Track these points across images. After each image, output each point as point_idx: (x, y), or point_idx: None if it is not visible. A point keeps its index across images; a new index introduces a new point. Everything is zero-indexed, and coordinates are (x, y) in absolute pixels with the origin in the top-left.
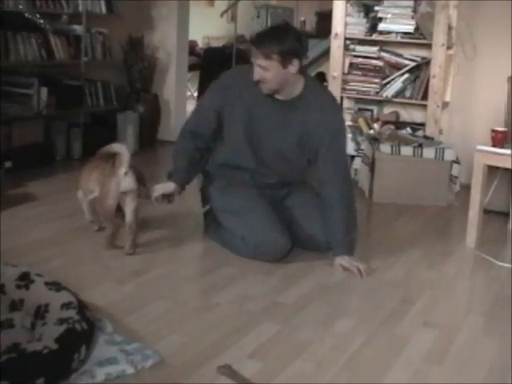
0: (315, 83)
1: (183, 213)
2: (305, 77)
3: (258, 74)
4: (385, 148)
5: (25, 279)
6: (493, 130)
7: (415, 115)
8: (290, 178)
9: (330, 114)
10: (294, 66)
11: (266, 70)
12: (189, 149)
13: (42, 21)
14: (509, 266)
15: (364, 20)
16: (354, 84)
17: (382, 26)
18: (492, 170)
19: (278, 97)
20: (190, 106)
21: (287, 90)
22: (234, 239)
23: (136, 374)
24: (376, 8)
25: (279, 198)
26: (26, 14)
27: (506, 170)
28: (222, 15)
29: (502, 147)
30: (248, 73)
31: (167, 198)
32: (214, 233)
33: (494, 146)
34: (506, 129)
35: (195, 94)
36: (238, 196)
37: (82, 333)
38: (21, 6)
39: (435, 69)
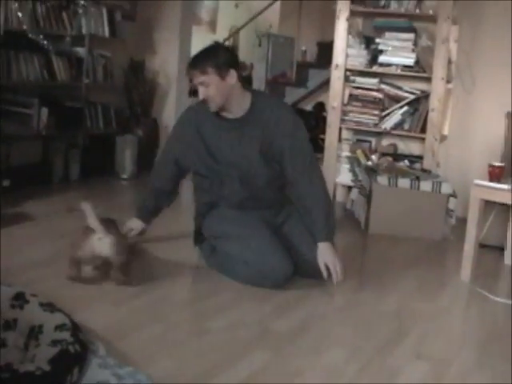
0: (262, 94)
1: (178, 237)
2: (251, 92)
3: (201, 93)
4: (382, 180)
5: (19, 299)
6: (490, 165)
7: (413, 148)
8: (271, 197)
9: (283, 117)
10: (231, 77)
11: (208, 86)
12: (158, 189)
13: (45, 41)
14: (503, 300)
15: (365, 52)
16: (353, 115)
17: (382, 59)
18: (488, 205)
19: (228, 116)
20: None
21: (235, 106)
22: (235, 264)
23: None
24: (377, 40)
25: (277, 225)
26: (30, 35)
27: (502, 204)
28: (223, 42)
29: (499, 182)
30: (197, 107)
31: (138, 232)
32: (210, 258)
33: (490, 180)
34: (503, 164)
35: None
36: (237, 221)
37: (75, 355)
38: (25, 26)
39: (434, 102)
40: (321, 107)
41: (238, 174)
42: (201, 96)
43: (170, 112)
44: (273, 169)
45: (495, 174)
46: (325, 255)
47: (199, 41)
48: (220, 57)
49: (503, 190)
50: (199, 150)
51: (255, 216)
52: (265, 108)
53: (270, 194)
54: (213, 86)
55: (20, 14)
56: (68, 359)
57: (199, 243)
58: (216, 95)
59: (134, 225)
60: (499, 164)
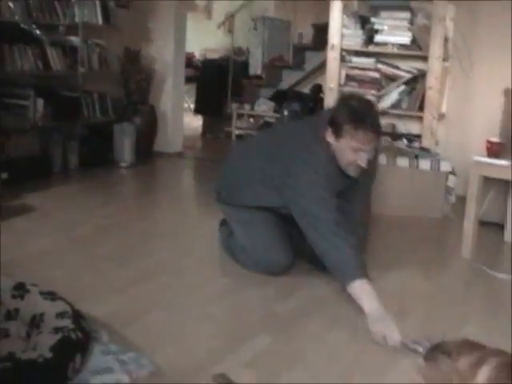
0: None
1: (183, 225)
2: None
3: (364, 160)
4: (381, 159)
5: (20, 289)
6: (488, 141)
7: (411, 127)
8: None
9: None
10: None
11: (372, 150)
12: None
13: (38, 32)
14: (503, 276)
15: (360, 32)
16: None
17: (378, 38)
18: (487, 182)
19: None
20: (187, 118)
21: None
22: (239, 249)
23: (131, 383)
24: (372, 20)
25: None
26: (22, 25)
27: (501, 181)
28: (219, 27)
29: (498, 158)
30: (322, 153)
31: None
32: (225, 241)
33: (489, 157)
34: (501, 140)
35: (192, 106)
36: (249, 209)
37: (77, 342)
38: (17, 17)
39: (431, 80)
40: (318, 89)
41: None
42: (363, 162)
43: (167, 99)
44: None
45: (493, 151)
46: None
47: (194, 27)
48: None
49: (503, 166)
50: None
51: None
52: None
53: None
54: (374, 150)
55: (12, 5)
56: (70, 346)
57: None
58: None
59: (375, 302)
60: (497, 140)
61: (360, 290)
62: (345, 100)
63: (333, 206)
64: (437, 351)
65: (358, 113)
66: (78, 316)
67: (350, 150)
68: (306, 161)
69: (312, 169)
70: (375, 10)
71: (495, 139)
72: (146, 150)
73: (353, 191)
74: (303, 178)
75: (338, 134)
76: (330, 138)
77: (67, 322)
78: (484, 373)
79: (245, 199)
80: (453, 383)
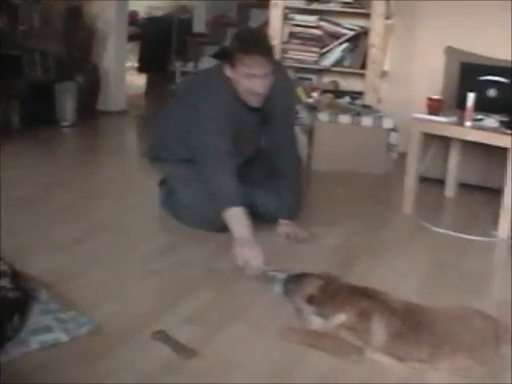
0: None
1: (125, 183)
2: None
3: (260, 86)
4: (323, 116)
5: None
6: (428, 98)
7: (354, 84)
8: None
9: (286, 91)
10: None
11: (268, 76)
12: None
13: None
14: (444, 231)
15: None
16: (293, 53)
17: None
18: (428, 138)
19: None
20: (130, 76)
21: None
22: (180, 206)
23: (71, 341)
24: None
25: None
26: None
27: (442, 137)
28: None
29: (438, 115)
30: (223, 89)
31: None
32: (165, 200)
33: (429, 114)
34: (442, 97)
35: (135, 65)
36: (186, 164)
37: (14, 301)
38: None
39: (374, 38)
40: None
41: (242, 142)
42: (259, 89)
43: (109, 57)
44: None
45: (433, 108)
46: (285, 228)
47: None
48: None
49: (441, 122)
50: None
51: None
52: (276, 89)
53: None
54: (270, 77)
55: None
56: (7, 306)
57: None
58: (269, 87)
59: (245, 228)
60: (437, 97)
61: (234, 216)
62: (237, 33)
63: (228, 139)
64: (291, 282)
65: (245, 39)
66: (16, 275)
67: (245, 77)
68: (207, 97)
69: (213, 104)
70: None
71: (435, 96)
72: (88, 109)
73: (271, 127)
74: (204, 112)
75: (232, 64)
76: (228, 71)
77: (5, 282)
78: (377, 328)
79: (177, 152)
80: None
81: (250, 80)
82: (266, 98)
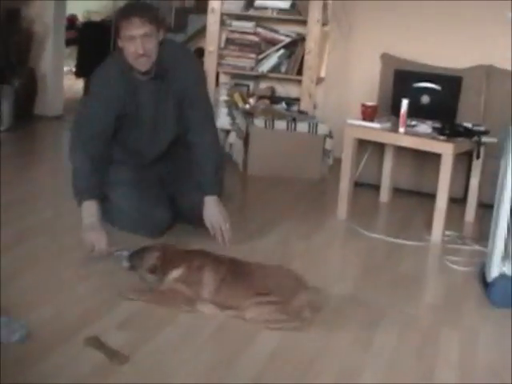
0: (166, 44)
1: (62, 187)
2: None
3: (140, 47)
4: (259, 122)
5: None
6: (362, 105)
7: (291, 90)
8: (175, 150)
9: (189, 67)
10: (162, 32)
11: (150, 38)
12: (98, 156)
13: None
14: (377, 236)
15: None
16: (230, 59)
17: (258, 3)
18: (363, 144)
19: (142, 77)
20: (68, 81)
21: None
22: (115, 211)
23: (3, 348)
24: None
25: (164, 172)
26: None
27: (376, 143)
28: None
29: (372, 121)
30: (115, 63)
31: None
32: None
33: (364, 120)
34: (376, 103)
35: (73, 69)
36: (123, 168)
37: None
38: None
39: (310, 44)
40: (200, 52)
41: (152, 128)
42: (140, 50)
43: (47, 61)
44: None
45: (368, 114)
46: (211, 213)
47: None
48: (156, 9)
49: (375, 128)
50: (122, 106)
51: (144, 165)
52: (172, 61)
53: (175, 147)
54: (154, 39)
55: None
56: None
57: None
58: (155, 49)
59: (93, 216)
60: (371, 104)
61: (86, 208)
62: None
63: (101, 123)
64: (134, 257)
65: (124, 7)
66: None
67: (127, 42)
68: (98, 78)
69: (101, 82)
70: None
71: (370, 103)
72: (25, 113)
73: (186, 112)
74: (91, 94)
75: (118, 35)
76: (119, 43)
77: None
78: (208, 281)
79: None
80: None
81: (132, 43)
82: (158, 64)
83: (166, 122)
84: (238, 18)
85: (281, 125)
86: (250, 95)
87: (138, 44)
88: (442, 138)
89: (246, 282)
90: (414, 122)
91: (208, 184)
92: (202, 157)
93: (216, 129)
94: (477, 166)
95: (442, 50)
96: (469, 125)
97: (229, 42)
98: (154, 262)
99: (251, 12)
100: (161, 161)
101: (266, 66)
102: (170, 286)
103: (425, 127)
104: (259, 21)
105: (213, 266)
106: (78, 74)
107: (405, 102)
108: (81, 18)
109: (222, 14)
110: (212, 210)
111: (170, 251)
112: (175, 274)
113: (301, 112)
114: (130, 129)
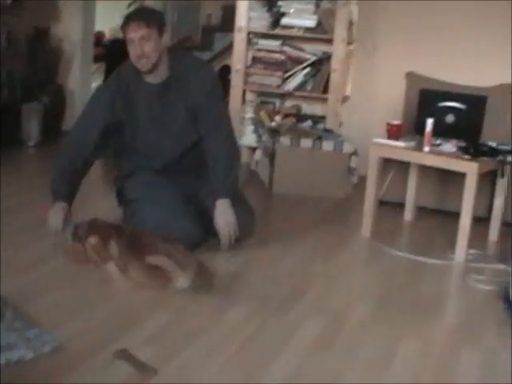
0: (180, 56)
1: (89, 202)
2: (170, 55)
3: (138, 48)
4: (285, 140)
5: None
6: (388, 124)
7: (316, 108)
8: (194, 161)
9: (203, 77)
10: (166, 37)
11: (147, 40)
12: (77, 158)
13: None
14: (402, 254)
15: (267, 14)
16: (256, 77)
17: (284, 21)
18: (388, 163)
19: (152, 80)
20: None
21: (161, 68)
22: (146, 228)
23: (35, 358)
24: (279, 3)
25: (195, 188)
26: None
27: (401, 162)
28: (129, 6)
29: (397, 140)
30: (124, 71)
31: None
32: (128, 222)
33: (389, 138)
34: (400, 122)
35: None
36: (151, 185)
37: None
38: None
39: (336, 63)
40: (226, 70)
41: (165, 137)
42: (138, 51)
43: (75, 78)
44: (197, 130)
45: (393, 132)
46: (220, 216)
47: (105, 5)
48: (160, 15)
49: (400, 147)
50: (128, 113)
51: (171, 180)
52: (186, 70)
53: (193, 158)
54: (152, 42)
55: None
56: None
57: (122, 205)
58: (154, 51)
59: (59, 212)
60: (396, 122)
61: (55, 207)
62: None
63: (91, 128)
64: (75, 233)
65: (128, 13)
66: None
67: (129, 45)
68: (109, 78)
69: (103, 86)
70: None
71: (395, 121)
72: (53, 129)
73: (200, 120)
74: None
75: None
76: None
77: None
78: (113, 247)
79: (126, 165)
80: (91, 257)
81: (131, 45)
82: (171, 72)
83: (174, 126)
84: (265, 36)
85: (306, 143)
86: (276, 113)
87: (137, 46)
88: (466, 157)
89: (141, 249)
90: (438, 141)
91: (219, 189)
92: (214, 162)
93: (232, 133)
94: (501, 185)
95: (466, 68)
96: (493, 144)
97: (255, 60)
98: (81, 233)
99: (277, 31)
100: (185, 172)
101: (291, 85)
102: (88, 251)
103: (449, 146)
104: (285, 39)
105: (118, 238)
106: None
107: (430, 122)
108: (108, 35)
109: (249, 33)
110: (221, 214)
111: (96, 224)
112: (91, 241)
113: (326, 130)
114: (135, 130)
